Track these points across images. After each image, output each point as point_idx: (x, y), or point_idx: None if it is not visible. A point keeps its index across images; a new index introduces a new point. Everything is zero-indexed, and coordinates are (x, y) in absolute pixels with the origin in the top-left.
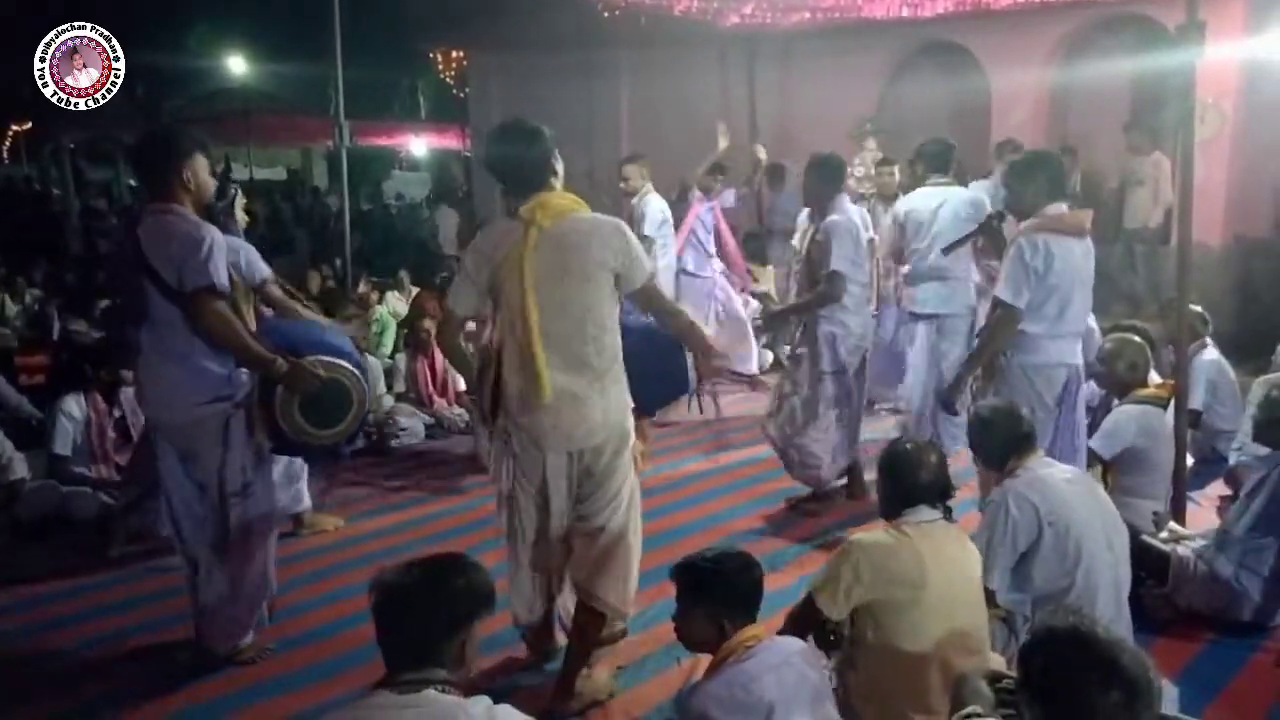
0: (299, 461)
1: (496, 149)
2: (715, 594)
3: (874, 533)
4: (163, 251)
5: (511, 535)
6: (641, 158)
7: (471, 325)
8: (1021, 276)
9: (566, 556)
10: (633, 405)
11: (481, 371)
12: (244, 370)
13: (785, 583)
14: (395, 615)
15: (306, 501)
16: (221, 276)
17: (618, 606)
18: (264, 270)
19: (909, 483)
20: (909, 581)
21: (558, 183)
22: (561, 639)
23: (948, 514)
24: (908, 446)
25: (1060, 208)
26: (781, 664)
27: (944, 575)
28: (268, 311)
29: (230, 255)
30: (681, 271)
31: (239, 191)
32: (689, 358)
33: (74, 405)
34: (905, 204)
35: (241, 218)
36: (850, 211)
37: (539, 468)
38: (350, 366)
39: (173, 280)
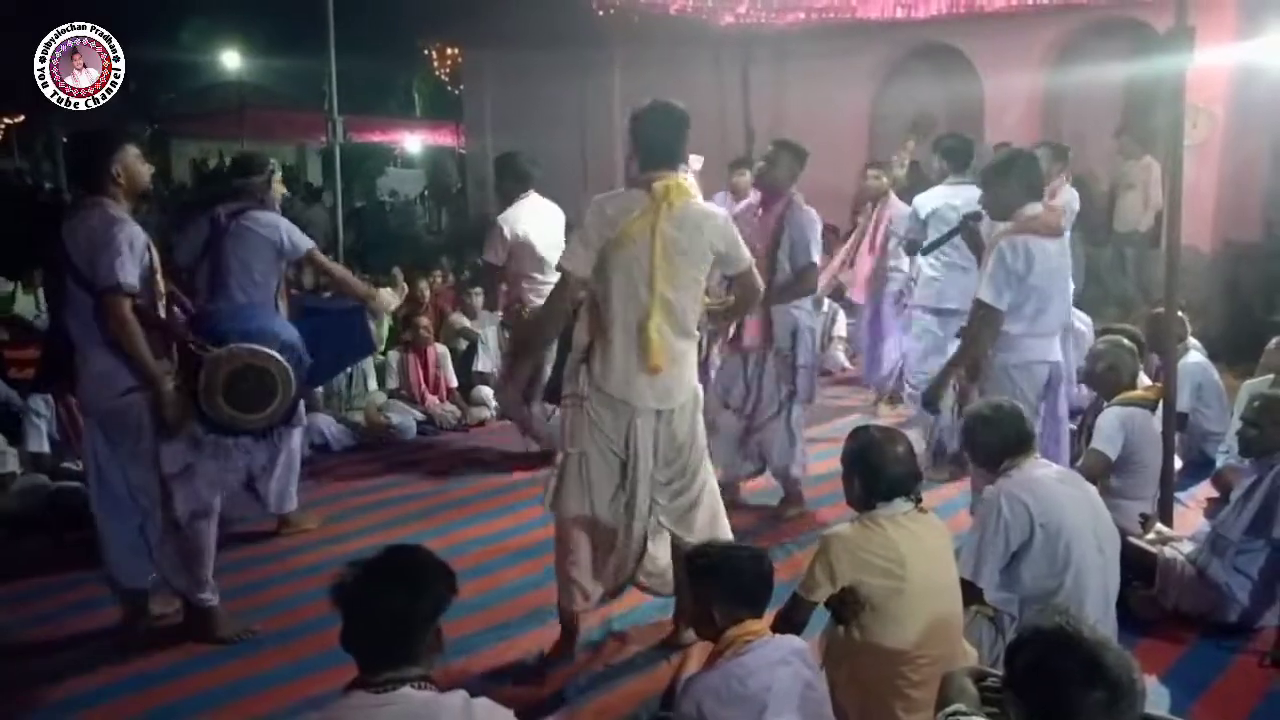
0: (295, 463)
1: (654, 118)
2: (718, 583)
3: (847, 526)
4: (77, 246)
5: (574, 513)
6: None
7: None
8: (1003, 279)
9: (642, 545)
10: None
11: (566, 335)
12: (165, 360)
13: (781, 578)
14: (364, 618)
15: (294, 503)
16: (128, 277)
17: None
18: (306, 242)
19: (881, 476)
20: (887, 569)
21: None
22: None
23: (918, 500)
24: (876, 437)
25: (1036, 208)
26: (779, 661)
27: (924, 564)
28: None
29: (269, 231)
30: None
31: (276, 167)
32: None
33: (40, 403)
34: (928, 201)
35: (279, 190)
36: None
37: (623, 430)
38: (275, 352)
39: (87, 275)
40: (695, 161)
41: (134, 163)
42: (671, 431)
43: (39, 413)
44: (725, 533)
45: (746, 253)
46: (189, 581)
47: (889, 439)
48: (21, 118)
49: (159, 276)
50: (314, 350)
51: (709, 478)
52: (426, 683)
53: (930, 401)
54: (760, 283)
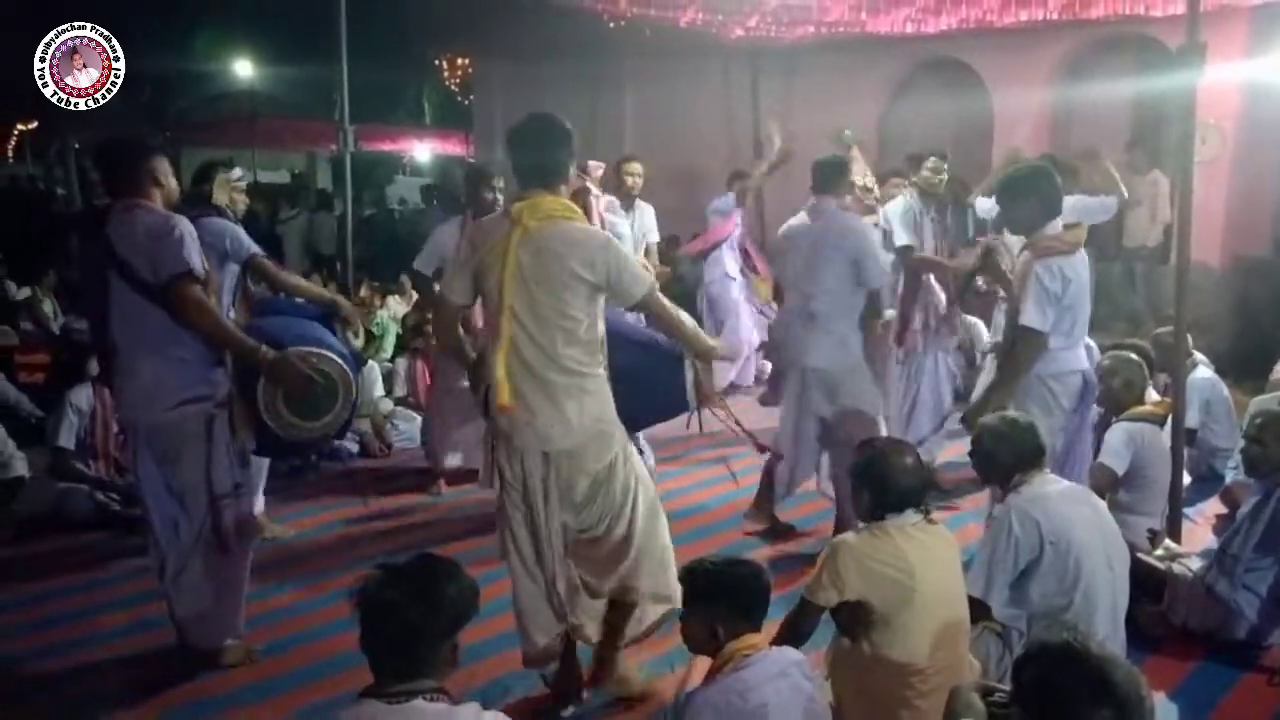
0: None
1: (524, 135)
2: (717, 599)
3: (855, 535)
4: (133, 243)
5: (507, 553)
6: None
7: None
8: (1045, 302)
9: (571, 591)
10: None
11: (477, 364)
12: (221, 369)
13: (781, 591)
14: (384, 626)
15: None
16: (196, 262)
17: (658, 591)
18: (251, 248)
19: (890, 488)
20: (896, 579)
21: (566, 190)
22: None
23: (927, 511)
24: (884, 449)
25: (1056, 226)
26: (779, 674)
27: (933, 574)
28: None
29: (214, 238)
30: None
31: (241, 175)
32: (689, 375)
33: (83, 398)
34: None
35: (236, 199)
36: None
37: (520, 470)
38: (334, 355)
39: (146, 272)
40: (595, 169)
41: (168, 170)
42: (568, 479)
43: (79, 408)
44: (661, 584)
45: (638, 280)
46: (222, 615)
47: (897, 451)
48: (35, 124)
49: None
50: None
51: (646, 528)
52: (440, 695)
53: (971, 422)
54: (669, 311)
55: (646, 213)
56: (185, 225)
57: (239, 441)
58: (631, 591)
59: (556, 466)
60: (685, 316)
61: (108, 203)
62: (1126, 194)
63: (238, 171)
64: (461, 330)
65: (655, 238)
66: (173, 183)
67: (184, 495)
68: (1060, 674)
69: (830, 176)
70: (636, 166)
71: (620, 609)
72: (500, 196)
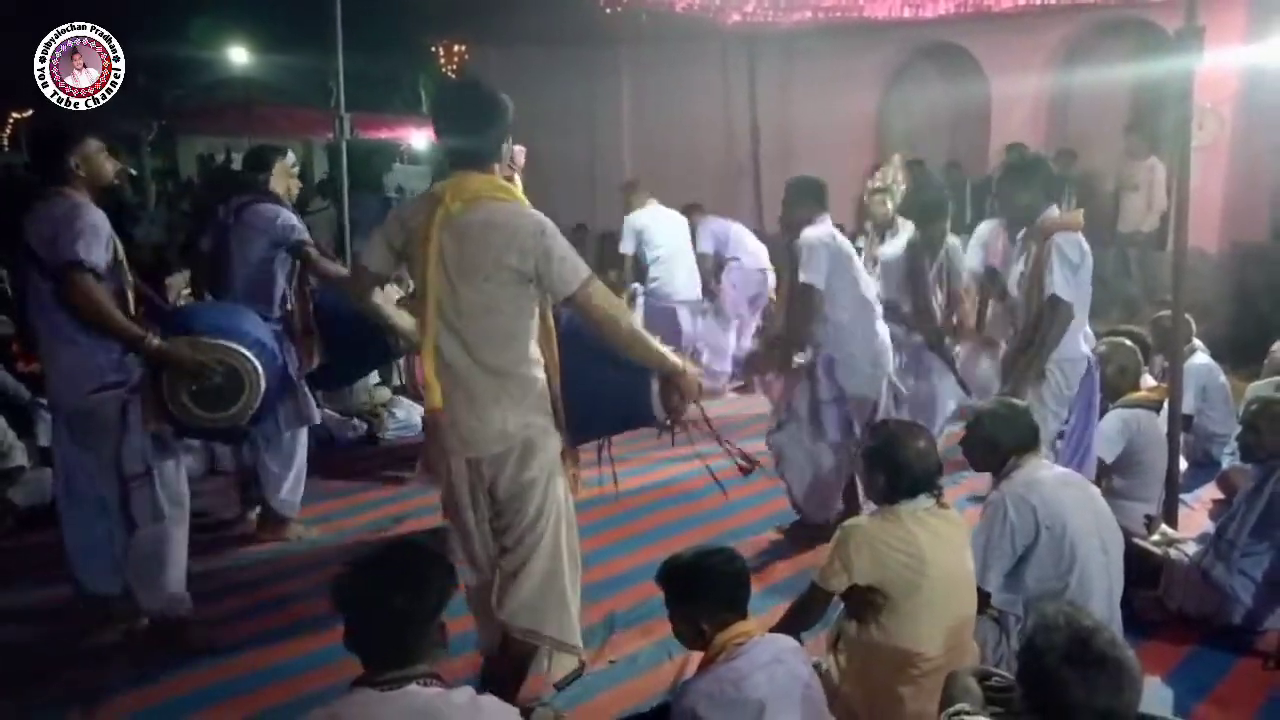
0: (303, 472)
1: (450, 107)
2: (696, 595)
3: (867, 518)
4: (39, 231)
5: (454, 550)
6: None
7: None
8: (1070, 273)
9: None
10: (574, 427)
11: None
12: (131, 356)
13: (775, 579)
14: (365, 618)
15: (296, 510)
16: (91, 254)
17: (561, 639)
18: (300, 234)
19: (904, 472)
20: (907, 563)
21: (501, 169)
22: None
23: (939, 495)
24: (898, 433)
25: (1054, 210)
26: (772, 661)
27: (944, 561)
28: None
29: (265, 222)
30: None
31: (294, 160)
32: (655, 384)
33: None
34: None
35: (292, 185)
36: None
37: (447, 472)
38: (243, 350)
39: (46, 259)
40: (519, 154)
41: (95, 156)
42: (491, 488)
43: (47, 406)
44: (551, 624)
45: (575, 272)
46: (151, 592)
47: (912, 434)
48: (30, 112)
49: (125, 270)
50: (335, 352)
51: (549, 567)
52: (433, 679)
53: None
54: (612, 314)
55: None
56: (90, 216)
57: (149, 428)
58: (532, 635)
59: (479, 472)
60: (637, 326)
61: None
62: (1119, 180)
63: (292, 158)
64: None
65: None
66: (102, 169)
67: (100, 476)
68: (1041, 635)
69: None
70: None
71: (511, 652)
72: None
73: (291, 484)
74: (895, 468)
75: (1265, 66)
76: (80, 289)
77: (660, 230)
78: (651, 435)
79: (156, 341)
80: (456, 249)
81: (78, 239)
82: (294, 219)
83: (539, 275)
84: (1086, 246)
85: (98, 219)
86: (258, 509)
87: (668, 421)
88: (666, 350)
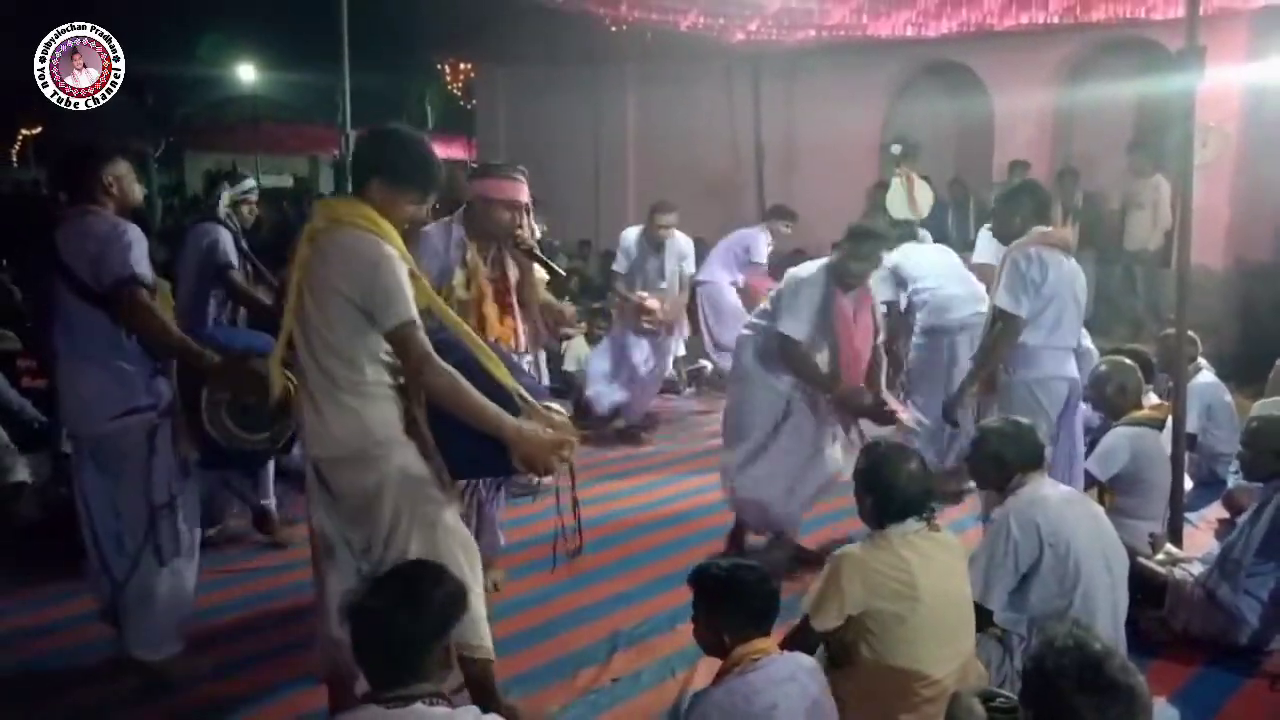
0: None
1: (363, 140)
2: (723, 604)
3: (859, 546)
4: (78, 249)
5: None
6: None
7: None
8: (1020, 286)
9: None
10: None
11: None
12: (164, 378)
13: (783, 596)
14: (374, 634)
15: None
16: (143, 268)
17: (461, 639)
18: (225, 259)
19: (893, 494)
20: (899, 593)
21: (382, 193)
22: None
23: (931, 516)
24: (888, 455)
25: (1045, 228)
26: (787, 679)
27: (936, 585)
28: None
29: (196, 241)
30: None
31: (249, 187)
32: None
33: None
34: None
35: (237, 208)
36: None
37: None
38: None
39: (88, 277)
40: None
41: (126, 175)
42: (332, 493)
43: None
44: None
45: (389, 312)
46: (166, 627)
47: (902, 457)
48: (39, 129)
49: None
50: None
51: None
52: (438, 699)
53: (950, 414)
54: (418, 361)
55: (679, 245)
56: (134, 232)
57: (181, 452)
58: None
59: (322, 477)
60: (458, 385)
61: (61, 208)
62: (1125, 198)
63: (249, 183)
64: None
65: (690, 269)
66: (132, 189)
67: (124, 506)
68: (1054, 661)
69: None
70: (667, 218)
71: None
72: None
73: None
74: (885, 490)
75: (1268, 84)
76: (139, 304)
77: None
78: (650, 454)
79: (217, 357)
80: (311, 266)
81: (128, 253)
82: (224, 243)
83: (364, 306)
84: (1056, 262)
85: (139, 234)
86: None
87: (532, 480)
88: (498, 414)
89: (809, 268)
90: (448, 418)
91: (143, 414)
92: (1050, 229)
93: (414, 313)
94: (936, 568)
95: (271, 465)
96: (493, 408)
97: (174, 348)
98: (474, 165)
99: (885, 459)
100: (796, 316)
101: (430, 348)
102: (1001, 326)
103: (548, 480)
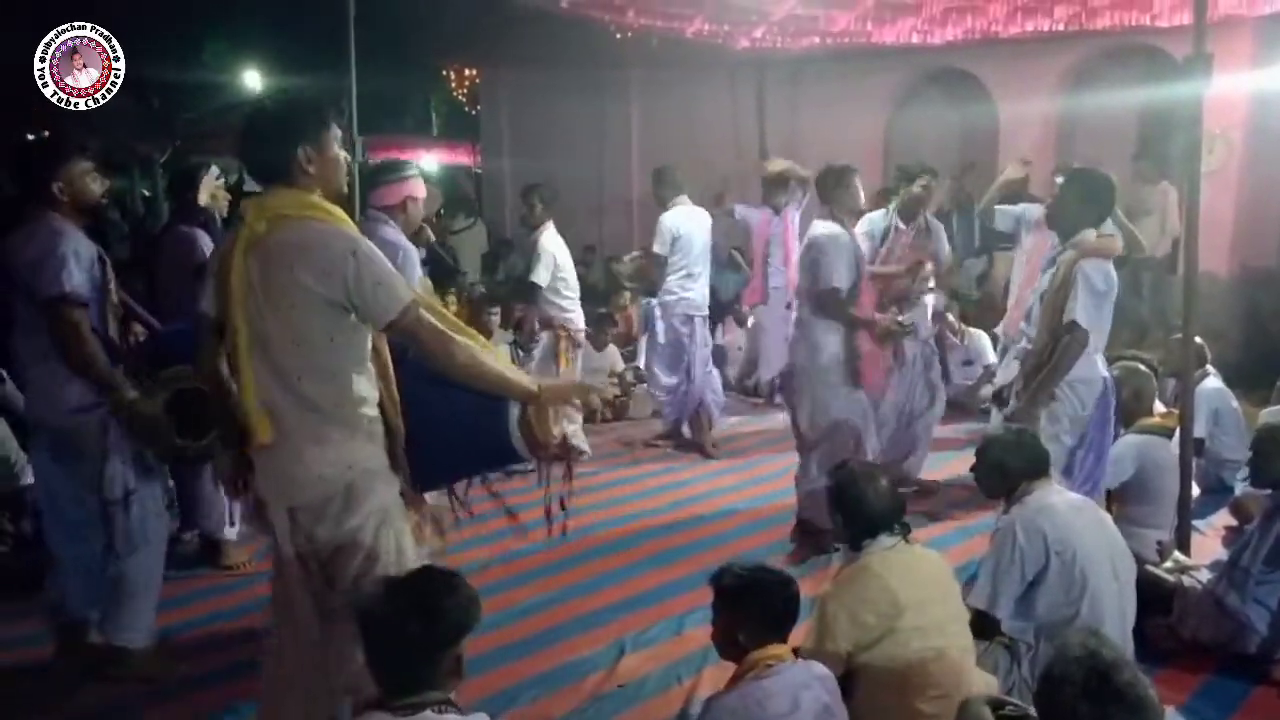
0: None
1: (249, 123)
2: (742, 606)
3: (841, 581)
4: (19, 259)
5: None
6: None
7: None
8: (1093, 302)
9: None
10: (425, 470)
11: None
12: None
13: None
14: (385, 641)
15: (228, 532)
16: (75, 284)
17: None
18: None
19: (861, 512)
20: (883, 613)
21: (314, 162)
22: None
23: (905, 532)
24: (855, 474)
25: (1091, 234)
26: (801, 686)
27: (919, 597)
28: None
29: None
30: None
31: (219, 173)
32: (514, 415)
33: None
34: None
35: (216, 199)
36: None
37: (268, 524)
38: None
39: (25, 288)
40: (418, 190)
41: (79, 177)
42: (307, 534)
43: None
44: None
45: (392, 297)
46: (133, 616)
47: (868, 475)
48: (46, 134)
49: (112, 291)
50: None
51: None
52: (447, 706)
53: (1024, 422)
54: (446, 342)
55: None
56: (74, 243)
57: (136, 449)
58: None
59: (298, 522)
60: (475, 352)
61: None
62: (1132, 205)
63: (216, 171)
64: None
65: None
66: (87, 189)
67: (80, 499)
68: (1064, 669)
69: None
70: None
71: None
72: (540, 206)
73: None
74: (854, 508)
75: (1274, 91)
76: (67, 322)
77: None
78: (659, 456)
79: (131, 395)
80: (262, 274)
81: (61, 269)
82: (200, 245)
83: (352, 303)
84: (1114, 275)
85: (80, 244)
86: (196, 533)
87: (534, 456)
88: (518, 374)
89: (827, 227)
90: (432, 419)
91: (97, 410)
92: (1111, 235)
93: (411, 292)
94: (916, 581)
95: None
96: (512, 369)
97: (92, 376)
98: (381, 166)
99: (852, 478)
100: (838, 270)
101: (438, 322)
102: (1071, 339)
103: (559, 436)
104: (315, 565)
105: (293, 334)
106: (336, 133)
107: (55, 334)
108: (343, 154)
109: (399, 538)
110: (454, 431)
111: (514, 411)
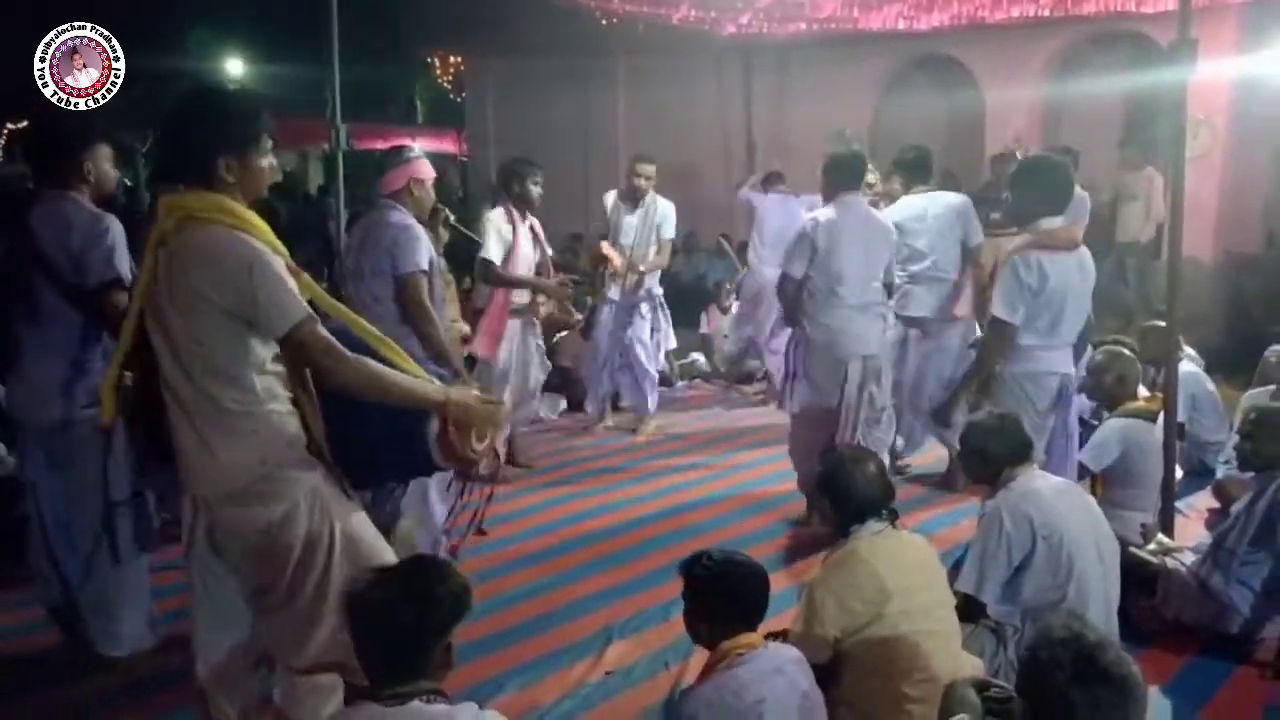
0: None
1: (166, 119)
2: (712, 596)
3: (830, 566)
4: (61, 243)
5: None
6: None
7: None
8: (1016, 294)
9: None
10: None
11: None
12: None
13: (778, 588)
14: (376, 629)
15: None
16: (125, 268)
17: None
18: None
19: (850, 497)
20: (870, 599)
21: (236, 171)
22: None
23: (893, 518)
24: (844, 458)
25: (1053, 223)
26: (774, 672)
27: (906, 583)
28: None
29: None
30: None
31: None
32: (434, 427)
33: None
34: (895, 213)
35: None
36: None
37: (183, 515)
38: None
39: (69, 273)
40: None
41: (104, 162)
42: (228, 529)
43: None
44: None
45: (282, 312)
46: (130, 622)
47: (857, 460)
48: (25, 123)
49: None
50: None
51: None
52: (437, 696)
53: (943, 417)
54: (338, 356)
55: (660, 208)
56: (115, 227)
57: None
58: (345, 671)
59: (213, 513)
60: (371, 366)
61: (30, 190)
62: (1117, 190)
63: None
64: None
65: (671, 234)
66: (109, 176)
67: (79, 500)
68: (1049, 652)
69: (858, 172)
70: (647, 168)
71: None
72: (535, 190)
73: None
74: (842, 493)
75: (1257, 77)
76: (119, 308)
77: None
78: (643, 447)
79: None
80: (166, 273)
81: (113, 254)
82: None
83: (245, 315)
84: (1057, 268)
85: (120, 230)
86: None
87: (452, 468)
88: (425, 386)
89: (823, 212)
90: (351, 427)
91: (99, 407)
92: (1057, 225)
93: (306, 307)
94: (903, 566)
95: None
96: (418, 381)
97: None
98: (385, 155)
99: (841, 463)
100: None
101: (334, 340)
102: (994, 331)
103: (480, 451)
104: (236, 555)
105: (193, 334)
106: (267, 144)
107: (107, 319)
108: (270, 161)
109: (341, 521)
110: (374, 441)
111: (434, 425)
